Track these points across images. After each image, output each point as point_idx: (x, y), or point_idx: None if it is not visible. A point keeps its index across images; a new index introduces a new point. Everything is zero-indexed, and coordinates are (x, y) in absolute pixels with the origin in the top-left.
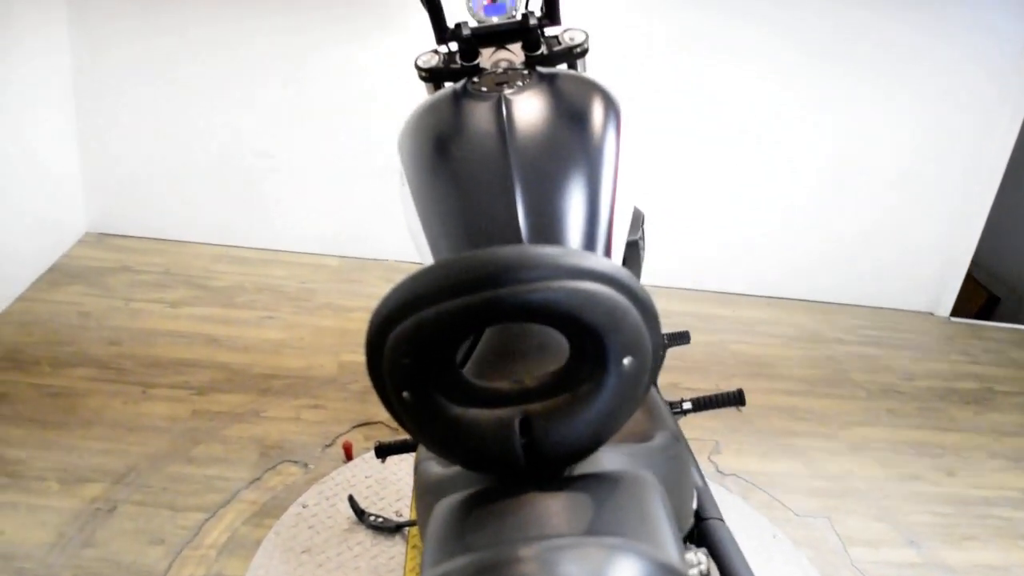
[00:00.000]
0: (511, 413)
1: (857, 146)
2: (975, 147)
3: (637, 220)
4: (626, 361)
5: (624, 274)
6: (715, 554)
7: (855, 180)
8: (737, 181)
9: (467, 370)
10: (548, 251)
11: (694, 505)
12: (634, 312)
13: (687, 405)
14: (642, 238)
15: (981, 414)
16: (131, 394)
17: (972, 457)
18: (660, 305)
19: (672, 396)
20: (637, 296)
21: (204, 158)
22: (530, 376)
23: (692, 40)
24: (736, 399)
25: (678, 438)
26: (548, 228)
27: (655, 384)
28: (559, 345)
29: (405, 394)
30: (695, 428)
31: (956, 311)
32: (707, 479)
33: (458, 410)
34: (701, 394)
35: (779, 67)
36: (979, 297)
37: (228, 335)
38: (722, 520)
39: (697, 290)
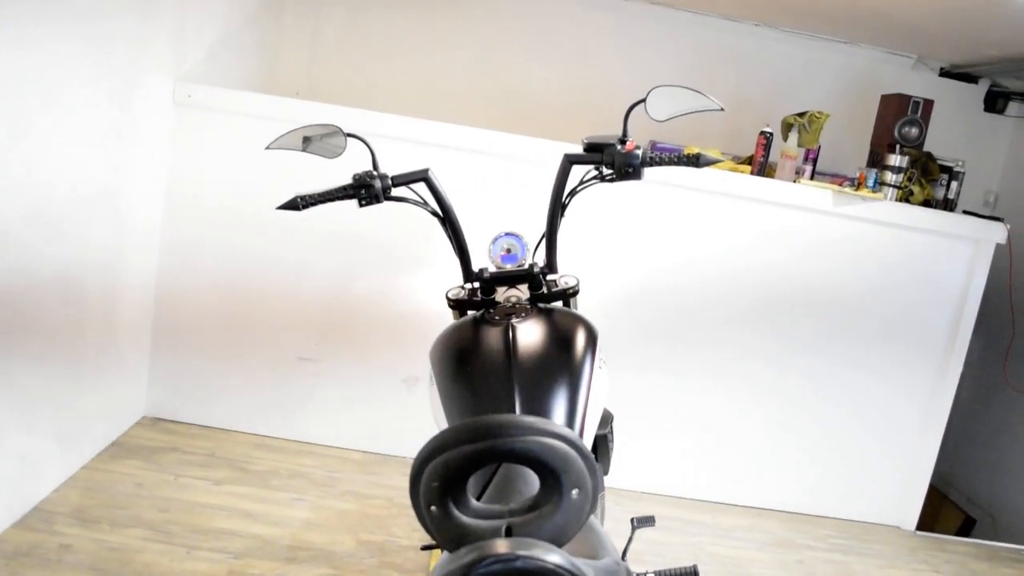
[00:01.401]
0: (500, 524)
1: (820, 383)
2: (927, 376)
3: (607, 419)
4: (574, 492)
5: (574, 436)
6: None
7: (823, 407)
8: (718, 409)
9: (485, 496)
10: (528, 419)
11: None
12: (580, 461)
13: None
14: (611, 432)
15: None
16: (176, 554)
17: None
18: (649, 509)
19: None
20: (582, 451)
21: (255, 358)
22: (515, 501)
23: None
24: (692, 574)
25: (618, 563)
26: (535, 414)
27: (625, 558)
28: (535, 482)
29: (433, 508)
30: None
31: (927, 528)
32: None
33: (466, 519)
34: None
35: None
36: (956, 519)
37: (263, 511)
38: None
39: (682, 498)
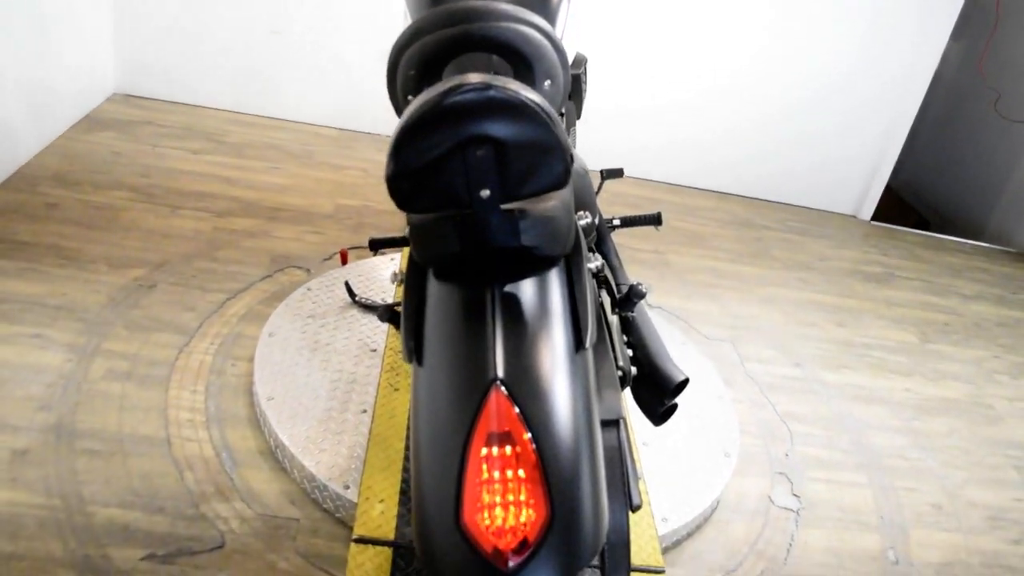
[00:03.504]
0: None
1: (794, 65)
2: (900, 71)
3: (580, 61)
4: (546, 84)
5: (548, 27)
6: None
7: (792, 92)
8: (692, 89)
9: None
10: (504, 5)
11: (596, 221)
12: (552, 52)
13: (616, 222)
14: (584, 74)
15: (879, 289)
16: (162, 212)
17: (863, 316)
18: (621, 189)
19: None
20: (555, 42)
21: (223, 32)
22: None
23: None
24: (655, 219)
25: (587, 171)
26: None
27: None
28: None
29: (409, 97)
30: (631, 275)
31: (879, 219)
32: None
33: None
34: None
35: None
36: (910, 220)
37: (241, 177)
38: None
39: (652, 180)
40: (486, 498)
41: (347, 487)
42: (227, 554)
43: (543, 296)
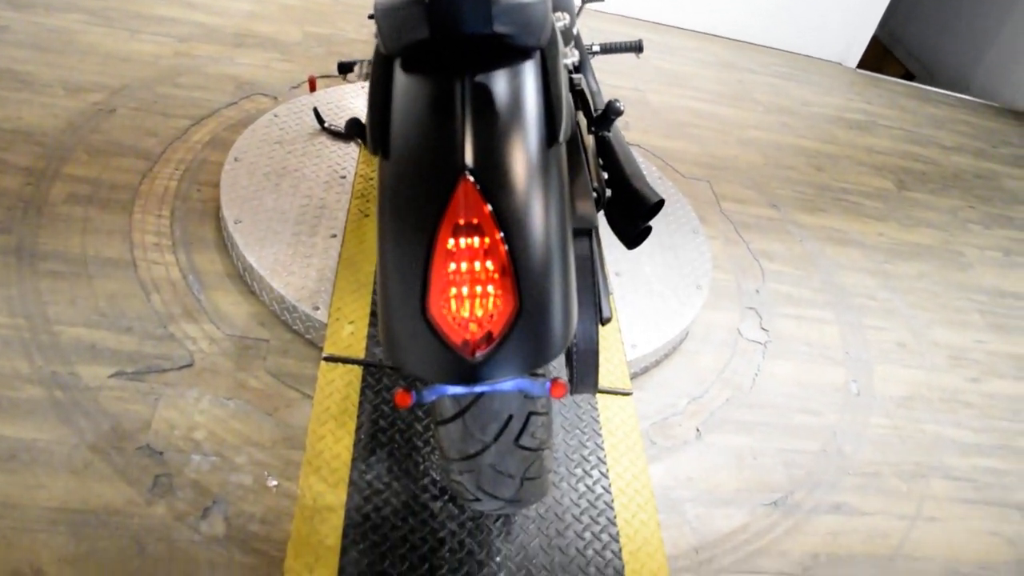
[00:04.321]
0: None
1: None
2: None
3: None
4: None
5: None
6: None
7: None
8: None
9: None
10: None
11: (575, 32)
12: None
13: (596, 48)
14: None
15: (860, 137)
16: (120, 36)
17: (842, 162)
18: (602, 25)
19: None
20: None
21: None
22: None
23: None
24: (636, 47)
25: None
26: None
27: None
28: None
29: None
30: None
31: (864, 69)
32: None
33: None
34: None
35: None
36: (896, 72)
37: (204, 1)
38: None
39: (634, 18)
40: (453, 290)
41: (316, 308)
42: (197, 372)
43: (516, 88)
